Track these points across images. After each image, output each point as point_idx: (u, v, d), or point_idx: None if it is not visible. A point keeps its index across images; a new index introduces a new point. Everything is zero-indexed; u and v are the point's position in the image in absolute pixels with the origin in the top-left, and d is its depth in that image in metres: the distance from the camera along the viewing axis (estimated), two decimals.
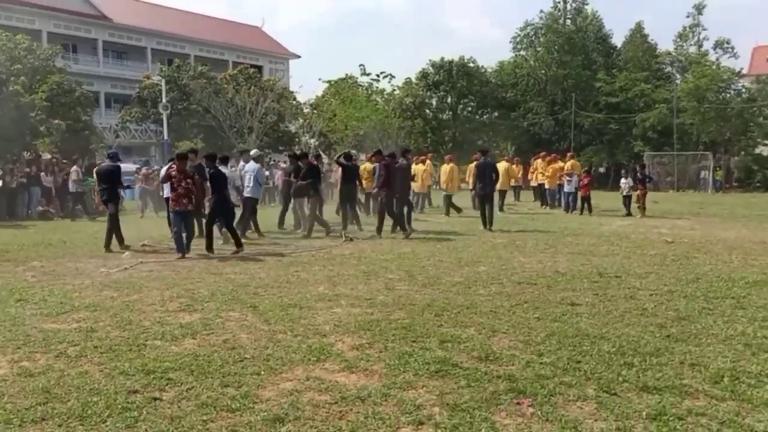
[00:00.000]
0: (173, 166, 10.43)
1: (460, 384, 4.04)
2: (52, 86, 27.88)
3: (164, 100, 33.83)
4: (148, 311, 6.07)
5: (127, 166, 21.52)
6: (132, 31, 48.87)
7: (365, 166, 16.65)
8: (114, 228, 10.95)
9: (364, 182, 15.54)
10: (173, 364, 4.42)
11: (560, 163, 20.18)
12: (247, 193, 12.82)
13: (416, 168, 17.71)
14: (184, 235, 9.98)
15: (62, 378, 4.18)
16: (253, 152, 14.35)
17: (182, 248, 9.85)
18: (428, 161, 20.05)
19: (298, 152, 17.42)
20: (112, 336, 5.20)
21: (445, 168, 18.93)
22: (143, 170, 20.27)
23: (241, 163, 13.93)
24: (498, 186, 15.65)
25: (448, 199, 17.86)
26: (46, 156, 21.55)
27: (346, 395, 3.87)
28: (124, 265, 8.90)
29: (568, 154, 21.14)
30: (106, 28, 47.67)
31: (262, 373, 4.28)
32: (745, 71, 42.59)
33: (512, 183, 21.59)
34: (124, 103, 44.55)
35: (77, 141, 28.22)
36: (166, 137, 33.65)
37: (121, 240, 10.98)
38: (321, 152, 36.83)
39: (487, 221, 13.77)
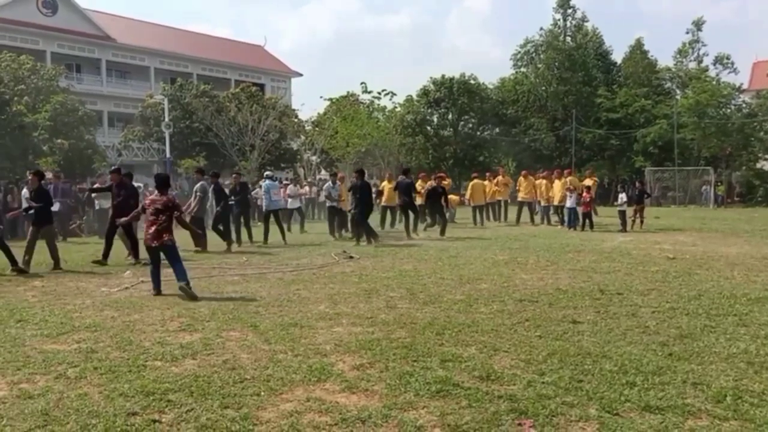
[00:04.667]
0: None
1: (462, 404, 4.02)
2: (55, 106, 28.08)
3: (167, 119, 34.01)
4: (149, 331, 6.05)
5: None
6: (135, 50, 49.25)
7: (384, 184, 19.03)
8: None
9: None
10: (173, 385, 4.40)
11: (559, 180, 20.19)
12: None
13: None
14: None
15: (61, 400, 4.17)
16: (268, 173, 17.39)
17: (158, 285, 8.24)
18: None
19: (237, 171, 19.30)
20: (112, 357, 5.18)
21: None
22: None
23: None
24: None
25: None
26: (48, 175, 21.66)
27: (347, 416, 3.84)
28: (125, 285, 8.89)
29: (566, 171, 21.17)
30: (110, 48, 48.06)
31: (263, 393, 4.26)
32: (745, 86, 42.77)
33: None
34: (127, 122, 44.79)
35: (80, 160, 28.36)
36: (168, 155, 33.79)
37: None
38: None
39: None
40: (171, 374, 4.68)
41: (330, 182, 17.41)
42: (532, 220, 20.64)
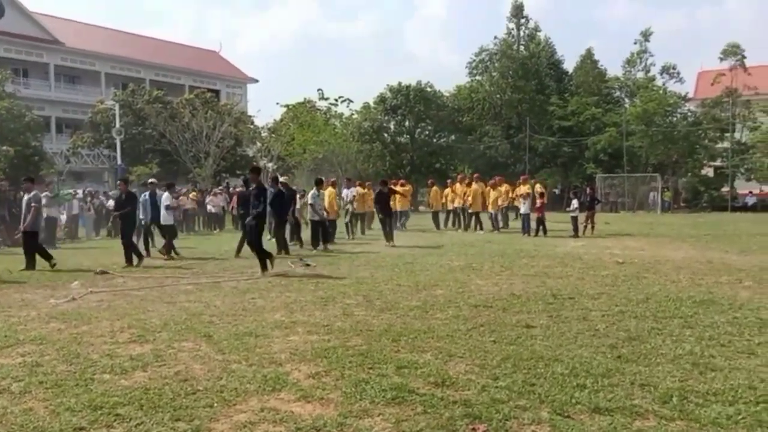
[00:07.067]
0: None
1: (417, 411, 4.03)
2: (0, 111, 27.18)
3: (118, 125, 33.25)
4: (97, 343, 5.89)
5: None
6: (85, 55, 48.06)
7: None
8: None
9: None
10: (122, 399, 4.28)
11: (505, 186, 20.76)
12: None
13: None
14: None
15: (5, 416, 4.01)
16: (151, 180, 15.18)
17: None
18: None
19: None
20: (59, 370, 5.02)
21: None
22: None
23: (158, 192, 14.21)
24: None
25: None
26: None
27: (302, 426, 3.81)
28: (72, 296, 8.63)
29: (522, 177, 21.58)
30: (59, 53, 46.78)
31: (216, 405, 4.18)
32: (690, 95, 44.32)
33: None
34: (76, 128, 43.63)
35: (27, 167, 27.48)
36: (119, 162, 33.03)
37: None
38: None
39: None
40: (120, 387, 4.56)
41: (314, 190, 15.29)
42: (476, 227, 20.83)
